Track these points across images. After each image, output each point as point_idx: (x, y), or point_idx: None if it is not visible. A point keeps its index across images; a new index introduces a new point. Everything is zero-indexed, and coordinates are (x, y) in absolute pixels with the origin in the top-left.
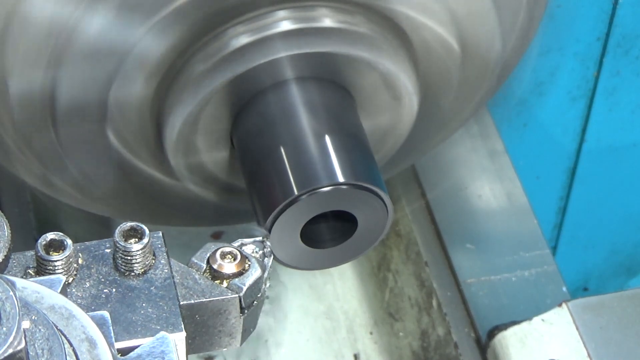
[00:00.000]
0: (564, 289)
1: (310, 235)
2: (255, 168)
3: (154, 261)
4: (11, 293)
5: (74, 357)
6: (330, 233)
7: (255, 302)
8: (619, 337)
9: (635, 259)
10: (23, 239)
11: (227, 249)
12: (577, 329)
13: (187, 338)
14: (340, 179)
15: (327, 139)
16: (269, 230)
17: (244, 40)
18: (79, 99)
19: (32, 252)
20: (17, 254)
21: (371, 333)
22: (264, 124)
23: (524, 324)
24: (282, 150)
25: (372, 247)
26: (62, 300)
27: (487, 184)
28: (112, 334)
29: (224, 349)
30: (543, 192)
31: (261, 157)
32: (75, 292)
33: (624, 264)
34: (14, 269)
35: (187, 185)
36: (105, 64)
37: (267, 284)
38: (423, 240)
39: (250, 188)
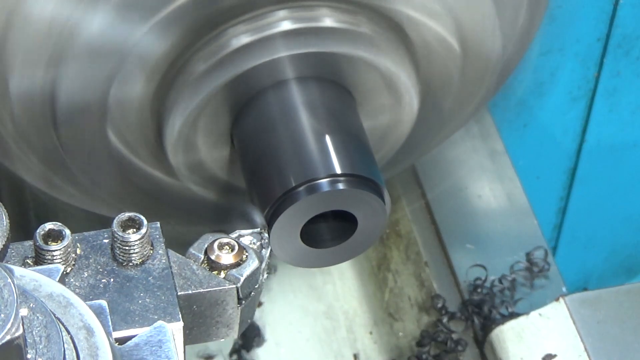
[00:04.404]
0: (564, 289)
1: (310, 235)
2: (255, 166)
3: (151, 251)
4: (9, 280)
5: (72, 345)
6: (330, 233)
7: (252, 292)
8: (616, 332)
9: (635, 259)
10: (23, 238)
11: (225, 240)
12: (575, 323)
13: (184, 328)
14: (338, 170)
15: (327, 137)
16: (267, 223)
17: (244, 39)
18: (79, 98)
19: (31, 242)
20: (16, 244)
21: (371, 333)
22: (264, 123)
23: (521, 319)
24: (282, 147)
25: (371, 245)
26: (60, 289)
27: (487, 184)
28: (110, 323)
29: (222, 339)
30: (543, 193)
31: (261, 156)
32: (74, 282)
33: (624, 265)
34: (13, 258)
35: (187, 184)
36: (105, 63)
37: (265, 275)
38: (423, 240)
39: (249, 186)
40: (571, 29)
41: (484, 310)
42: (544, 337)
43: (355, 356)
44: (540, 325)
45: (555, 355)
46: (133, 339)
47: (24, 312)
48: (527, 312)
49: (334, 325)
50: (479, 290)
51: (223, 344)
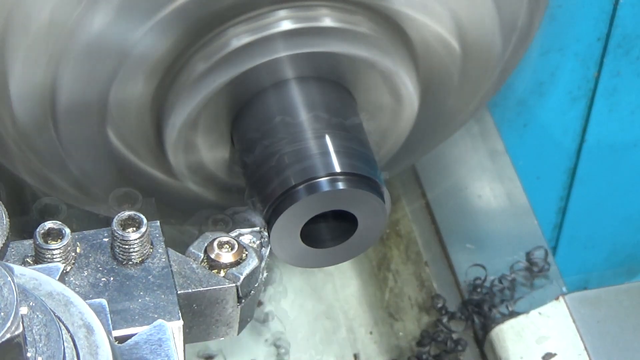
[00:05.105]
0: (564, 289)
1: (311, 235)
2: (254, 166)
3: (151, 250)
4: (9, 279)
5: (72, 343)
6: (330, 233)
7: (252, 291)
8: (615, 331)
9: (635, 259)
10: (23, 239)
11: (225, 239)
12: (574, 322)
13: (184, 327)
14: (338, 170)
15: (327, 137)
16: (267, 223)
17: (244, 39)
18: (79, 98)
19: (31, 241)
20: (16, 243)
21: (371, 333)
22: (264, 123)
23: (521, 318)
24: (282, 147)
25: (371, 245)
26: (60, 287)
27: (488, 184)
28: (110, 322)
29: (221, 338)
30: (543, 192)
31: (261, 156)
32: (74, 281)
33: (624, 264)
34: (13, 257)
35: (187, 184)
36: (105, 63)
37: (265, 274)
38: (423, 240)
39: (249, 186)
40: (571, 29)
41: (484, 309)
42: (544, 336)
43: (355, 356)
44: (540, 324)
45: (555, 354)
46: (133, 338)
47: (23, 310)
48: (527, 311)
49: (334, 325)
50: (479, 290)
51: (223, 343)
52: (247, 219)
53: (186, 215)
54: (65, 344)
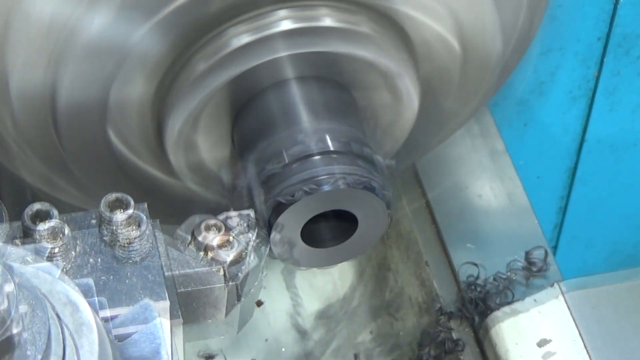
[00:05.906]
0: (564, 289)
1: (311, 235)
2: (255, 166)
3: (139, 232)
4: (9, 277)
5: (72, 341)
6: (330, 233)
7: (252, 290)
8: (616, 329)
9: (635, 259)
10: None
11: (225, 238)
12: (574, 321)
13: (184, 326)
14: (337, 169)
15: (327, 137)
16: (267, 223)
17: (244, 39)
18: (79, 98)
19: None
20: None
21: (371, 333)
22: (264, 123)
23: (521, 317)
24: (282, 147)
25: (372, 245)
26: (60, 286)
27: (488, 183)
28: (110, 320)
29: (222, 337)
30: (543, 192)
31: (261, 156)
32: (73, 279)
33: (624, 264)
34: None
35: (188, 184)
36: (105, 63)
37: (264, 272)
38: (423, 240)
39: (249, 185)
40: (571, 28)
41: (484, 309)
42: (544, 336)
43: (356, 356)
44: (540, 324)
45: (555, 354)
46: (132, 336)
47: (23, 309)
48: (527, 311)
49: (335, 325)
50: (479, 289)
51: (224, 343)
52: (241, 223)
53: (186, 215)
54: (65, 342)
